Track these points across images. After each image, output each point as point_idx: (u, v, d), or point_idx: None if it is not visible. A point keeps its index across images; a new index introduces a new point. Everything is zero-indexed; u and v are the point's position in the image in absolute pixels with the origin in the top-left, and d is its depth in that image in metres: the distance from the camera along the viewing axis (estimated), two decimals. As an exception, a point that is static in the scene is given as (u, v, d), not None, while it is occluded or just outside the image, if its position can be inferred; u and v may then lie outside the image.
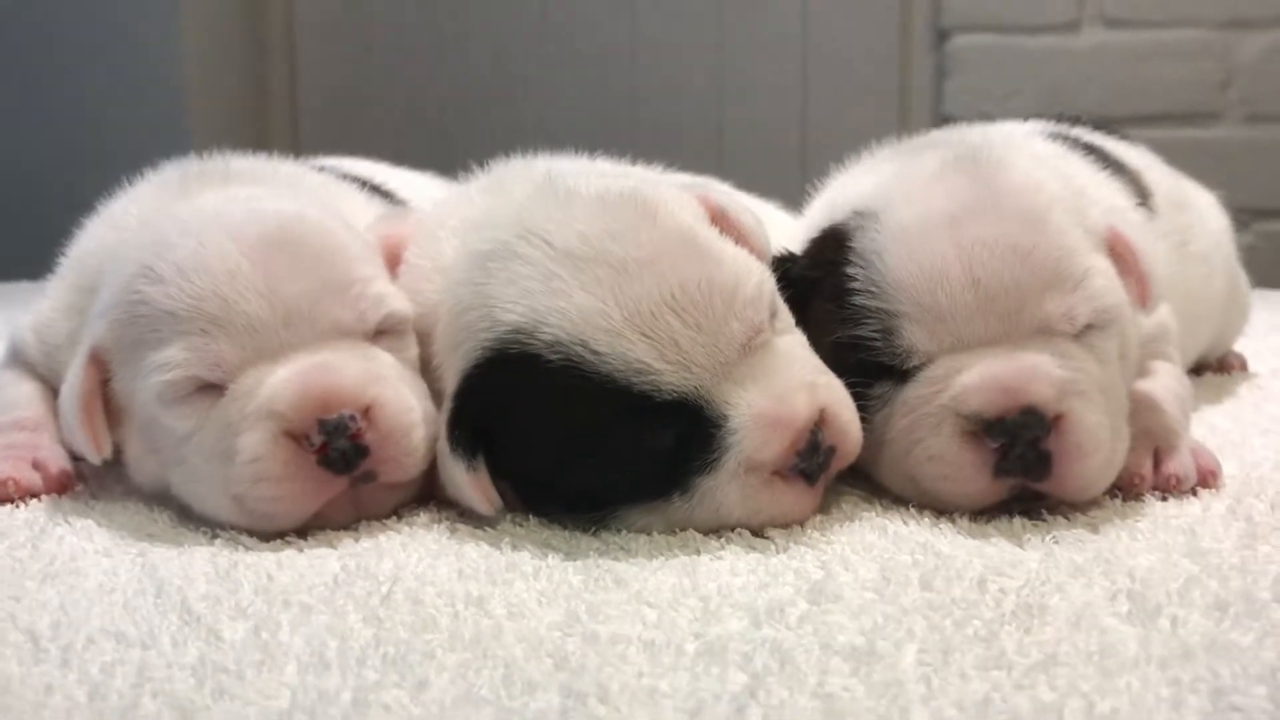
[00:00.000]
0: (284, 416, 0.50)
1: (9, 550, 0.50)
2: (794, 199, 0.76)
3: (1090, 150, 0.74)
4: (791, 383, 0.50)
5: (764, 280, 0.53)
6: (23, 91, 1.78)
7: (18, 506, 0.57)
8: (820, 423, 0.49)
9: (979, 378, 0.51)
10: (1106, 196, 0.68)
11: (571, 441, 0.50)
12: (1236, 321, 0.88)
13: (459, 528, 0.52)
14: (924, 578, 0.44)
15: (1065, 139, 0.75)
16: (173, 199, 0.62)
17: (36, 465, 0.60)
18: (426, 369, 0.58)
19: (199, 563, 0.47)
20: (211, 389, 0.51)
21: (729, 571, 0.45)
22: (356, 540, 0.50)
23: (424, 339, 0.57)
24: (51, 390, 0.66)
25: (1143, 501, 0.54)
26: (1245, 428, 0.70)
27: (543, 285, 0.50)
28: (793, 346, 0.52)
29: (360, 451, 0.50)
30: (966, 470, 0.51)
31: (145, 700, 0.35)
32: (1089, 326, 0.53)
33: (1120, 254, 0.56)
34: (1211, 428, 0.69)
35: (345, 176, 0.75)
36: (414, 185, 0.83)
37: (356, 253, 0.57)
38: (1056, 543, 0.48)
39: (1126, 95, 1.68)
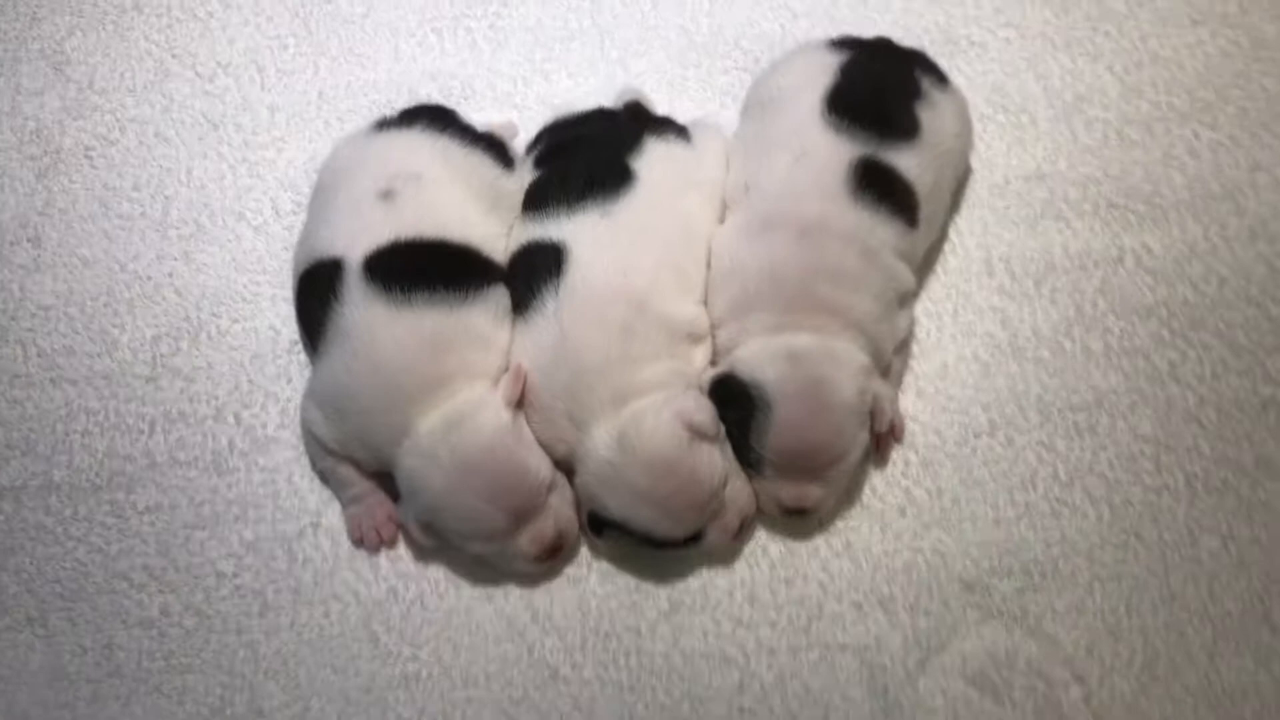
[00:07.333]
0: (535, 557, 1.14)
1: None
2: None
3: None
4: (731, 526, 1.10)
5: (719, 473, 1.07)
6: None
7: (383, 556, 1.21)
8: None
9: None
10: None
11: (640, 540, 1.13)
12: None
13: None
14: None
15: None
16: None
17: (391, 518, 1.15)
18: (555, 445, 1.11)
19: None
20: (497, 539, 1.12)
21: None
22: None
23: (572, 459, 1.11)
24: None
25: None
26: (942, 328, 1.27)
27: (626, 488, 1.06)
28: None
29: (560, 548, 1.16)
30: None
31: None
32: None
33: (876, 414, 1.10)
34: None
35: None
36: None
37: (529, 462, 1.10)
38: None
39: None
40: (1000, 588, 1.16)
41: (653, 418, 1.07)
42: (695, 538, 1.13)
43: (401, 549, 1.17)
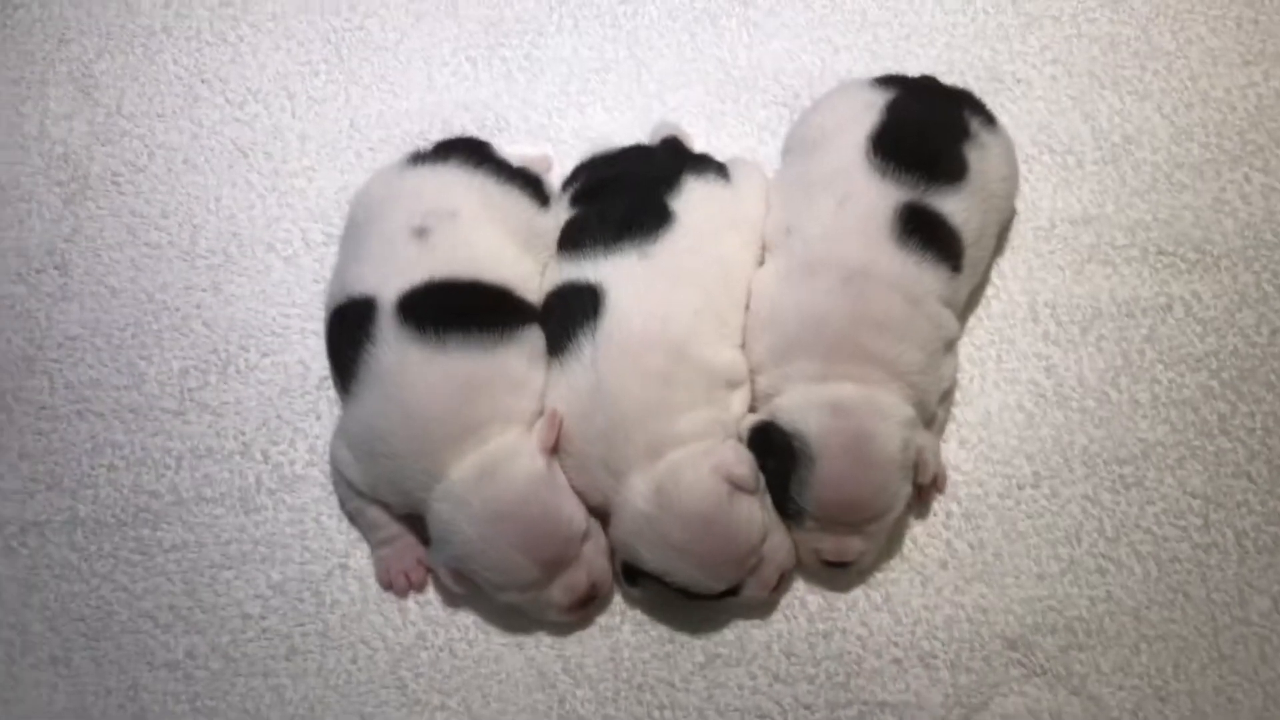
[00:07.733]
0: (568, 607, 1.13)
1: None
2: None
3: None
4: (769, 580, 1.09)
5: (759, 527, 1.08)
6: None
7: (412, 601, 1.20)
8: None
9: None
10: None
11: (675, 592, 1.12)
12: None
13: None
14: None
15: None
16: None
17: (421, 562, 1.15)
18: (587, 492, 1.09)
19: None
20: (530, 589, 1.11)
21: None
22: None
23: (607, 506, 1.12)
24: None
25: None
26: (985, 375, 1.27)
27: (662, 541, 1.07)
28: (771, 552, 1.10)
29: (594, 598, 1.16)
30: None
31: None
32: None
33: (920, 467, 1.12)
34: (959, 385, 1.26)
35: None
36: None
37: (563, 512, 1.09)
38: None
39: None
40: (1044, 645, 1.14)
41: (691, 471, 1.05)
42: (732, 591, 1.11)
43: (431, 593, 1.16)
